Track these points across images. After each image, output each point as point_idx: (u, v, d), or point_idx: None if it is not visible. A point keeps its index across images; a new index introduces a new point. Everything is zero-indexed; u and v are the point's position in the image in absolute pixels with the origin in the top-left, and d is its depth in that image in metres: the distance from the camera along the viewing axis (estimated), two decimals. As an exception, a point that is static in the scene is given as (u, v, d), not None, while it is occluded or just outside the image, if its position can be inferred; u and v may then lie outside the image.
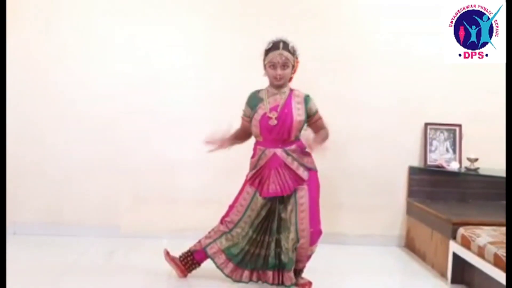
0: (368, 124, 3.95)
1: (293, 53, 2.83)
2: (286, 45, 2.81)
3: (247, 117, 2.93)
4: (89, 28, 3.83)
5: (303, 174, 2.86)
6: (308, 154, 2.89)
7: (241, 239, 2.90)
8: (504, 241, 2.75)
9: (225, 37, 3.85)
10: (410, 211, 3.95)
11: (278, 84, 2.84)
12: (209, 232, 2.99)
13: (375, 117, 3.94)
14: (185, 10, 3.87)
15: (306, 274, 3.03)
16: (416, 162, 3.99)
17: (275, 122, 2.80)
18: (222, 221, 2.97)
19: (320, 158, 2.92)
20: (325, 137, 2.94)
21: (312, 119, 2.92)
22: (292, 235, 2.85)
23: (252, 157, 2.94)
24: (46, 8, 3.81)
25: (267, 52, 2.83)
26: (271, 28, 3.76)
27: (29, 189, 3.86)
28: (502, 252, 2.63)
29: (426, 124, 3.95)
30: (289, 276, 2.87)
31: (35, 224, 3.84)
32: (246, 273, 2.92)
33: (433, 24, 3.77)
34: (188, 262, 3.01)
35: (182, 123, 3.86)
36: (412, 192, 3.97)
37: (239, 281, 2.91)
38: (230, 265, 2.92)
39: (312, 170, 2.92)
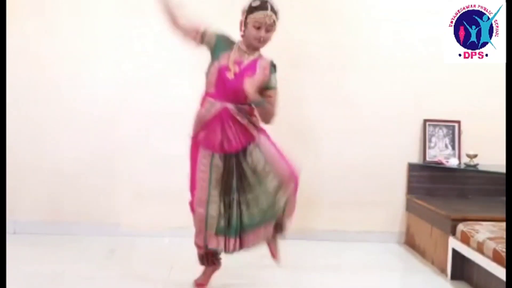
0: (367, 120, 3.95)
1: (277, 16, 2.63)
2: (273, 7, 2.61)
3: (201, 35, 2.68)
4: (88, 27, 3.83)
5: (253, 131, 2.67)
6: (267, 123, 2.72)
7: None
8: (504, 236, 2.76)
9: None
10: (409, 207, 3.96)
11: (258, 46, 2.65)
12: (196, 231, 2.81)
13: (374, 114, 3.95)
14: (185, 12, 3.85)
15: (304, 271, 3.04)
16: (415, 159, 4.00)
17: (232, 76, 2.60)
18: (193, 210, 2.78)
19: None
20: (268, 107, 2.66)
21: (266, 93, 2.66)
22: (273, 183, 2.67)
23: (199, 109, 2.72)
24: (45, 8, 3.80)
25: (253, 10, 2.59)
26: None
27: (29, 188, 3.86)
28: (501, 248, 2.64)
29: (425, 121, 3.96)
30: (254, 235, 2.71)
31: (35, 223, 3.84)
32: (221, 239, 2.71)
33: (433, 24, 3.79)
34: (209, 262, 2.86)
35: (181, 121, 3.83)
36: (411, 189, 3.98)
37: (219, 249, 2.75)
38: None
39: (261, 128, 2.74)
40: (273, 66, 2.70)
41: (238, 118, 2.63)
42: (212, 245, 2.72)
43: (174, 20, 2.72)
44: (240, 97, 2.61)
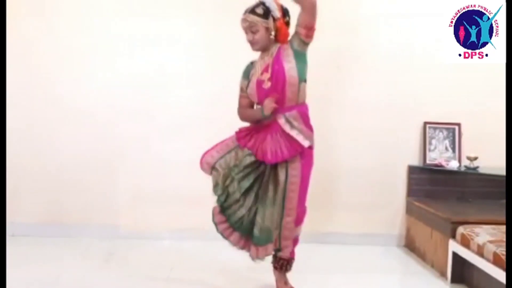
0: (367, 123, 3.94)
1: (264, 15, 2.60)
2: (253, 9, 2.62)
3: (245, 92, 2.75)
4: (88, 28, 3.83)
5: (304, 141, 2.61)
6: (309, 126, 2.68)
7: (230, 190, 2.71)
8: (504, 239, 2.75)
9: (224, 39, 3.84)
10: (409, 210, 3.95)
11: (254, 49, 2.69)
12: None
13: (374, 116, 3.94)
14: (185, 12, 3.86)
15: (304, 274, 3.03)
16: (415, 161, 3.99)
17: (269, 84, 2.60)
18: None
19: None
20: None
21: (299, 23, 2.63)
22: (277, 211, 2.66)
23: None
24: (46, 8, 3.80)
25: (286, 12, 2.70)
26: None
27: (28, 190, 3.86)
28: (501, 251, 2.63)
29: (425, 123, 3.95)
30: (256, 249, 2.69)
31: (34, 225, 3.83)
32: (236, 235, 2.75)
33: (433, 24, 3.78)
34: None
35: (181, 123, 3.86)
36: (411, 191, 3.97)
37: (227, 239, 2.76)
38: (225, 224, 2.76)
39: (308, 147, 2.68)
40: (290, 39, 2.68)
41: (285, 129, 2.61)
42: (216, 219, 2.76)
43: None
44: (282, 98, 2.60)
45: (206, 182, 3.83)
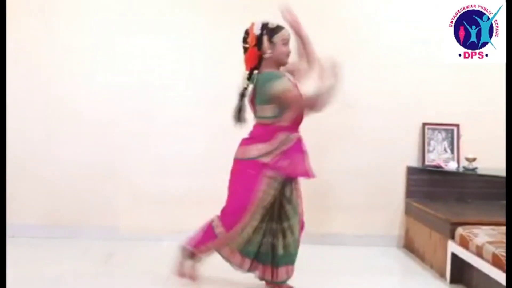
0: (366, 124, 3.95)
1: None
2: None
3: (293, 88, 2.72)
4: (88, 30, 3.83)
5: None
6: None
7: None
8: (503, 240, 2.75)
9: (223, 39, 3.85)
10: (408, 211, 3.95)
11: (287, 61, 2.81)
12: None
13: (373, 117, 3.95)
14: (183, 13, 3.87)
15: (303, 275, 3.03)
16: (414, 162, 4.00)
17: None
18: (229, 227, 2.77)
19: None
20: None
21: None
22: (297, 223, 2.80)
23: (262, 141, 2.71)
24: (45, 9, 3.80)
25: (277, 30, 2.77)
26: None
27: (27, 192, 3.85)
28: (500, 252, 2.63)
29: (424, 124, 3.96)
30: (287, 269, 2.80)
31: (34, 226, 3.83)
32: (247, 261, 2.80)
33: (433, 24, 3.79)
34: None
35: (180, 124, 3.85)
36: (410, 192, 3.98)
37: (239, 268, 2.82)
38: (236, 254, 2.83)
39: None
40: None
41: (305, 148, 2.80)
42: (236, 261, 2.80)
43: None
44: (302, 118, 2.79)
45: (205, 183, 3.86)
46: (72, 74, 3.84)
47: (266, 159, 2.69)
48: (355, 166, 3.95)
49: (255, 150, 2.71)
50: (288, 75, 2.78)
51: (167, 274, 3.10)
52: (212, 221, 2.85)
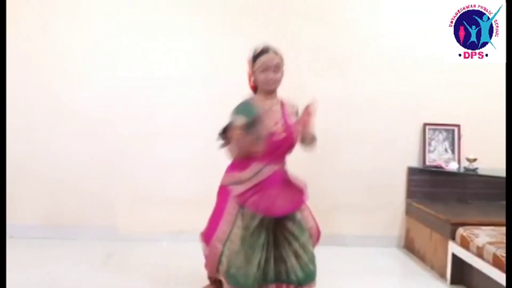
0: (367, 124, 3.94)
1: (282, 59, 2.58)
2: (275, 51, 2.57)
3: (241, 129, 2.48)
4: (88, 29, 3.83)
5: (301, 185, 2.62)
6: None
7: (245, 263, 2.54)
8: (503, 241, 2.74)
9: (224, 39, 3.85)
10: (409, 211, 3.94)
11: (270, 89, 2.57)
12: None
13: (374, 118, 3.94)
14: (184, 13, 3.86)
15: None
16: (415, 163, 3.99)
17: (284, 134, 2.52)
18: (207, 242, 2.62)
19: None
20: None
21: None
22: (308, 240, 2.64)
23: (238, 170, 2.58)
24: (45, 9, 3.80)
25: (257, 56, 2.56)
26: (270, 30, 3.79)
27: (27, 192, 3.85)
28: (501, 252, 2.62)
29: (425, 124, 3.95)
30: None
31: (33, 227, 3.83)
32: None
33: (433, 24, 3.78)
34: None
35: (180, 124, 3.85)
36: (411, 193, 3.97)
37: None
38: None
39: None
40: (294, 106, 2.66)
41: (288, 178, 2.60)
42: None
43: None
44: (289, 153, 2.60)
45: (205, 183, 3.84)
46: (72, 75, 3.83)
47: (238, 189, 2.56)
48: (355, 167, 3.95)
49: (229, 177, 2.63)
50: (262, 107, 2.55)
51: (167, 275, 3.10)
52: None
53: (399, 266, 3.66)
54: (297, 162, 4.01)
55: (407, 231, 3.96)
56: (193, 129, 3.84)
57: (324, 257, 3.61)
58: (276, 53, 2.58)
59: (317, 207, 3.90)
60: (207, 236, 2.66)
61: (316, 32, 3.90)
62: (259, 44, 2.61)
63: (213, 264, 2.61)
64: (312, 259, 2.65)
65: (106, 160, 3.85)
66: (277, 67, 2.55)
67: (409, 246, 3.90)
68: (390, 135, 3.96)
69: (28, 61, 3.81)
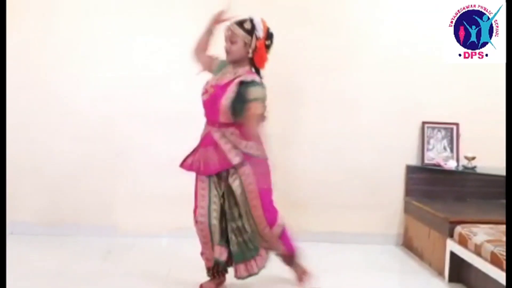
0: (365, 122, 3.95)
1: (248, 31, 2.67)
2: (241, 22, 2.70)
3: (209, 62, 2.84)
4: (87, 29, 3.81)
5: (234, 158, 2.68)
6: (250, 139, 2.71)
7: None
8: (501, 239, 2.76)
9: (223, 38, 3.84)
10: (407, 209, 3.96)
11: (228, 59, 2.74)
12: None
13: (373, 116, 3.95)
14: (182, 11, 3.86)
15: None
16: (413, 161, 4.00)
17: (206, 97, 2.72)
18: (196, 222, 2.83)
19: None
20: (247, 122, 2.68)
21: (245, 107, 2.64)
22: (248, 223, 2.78)
23: None
24: (45, 9, 3.79)
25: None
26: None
27: (26, 189, 3.84)
28: (499, 250, 2.64)
29: (424, 123, 3.96)
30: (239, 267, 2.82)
31: (32, 224, 3.82)
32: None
33: (433, 24, 3.79)
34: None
35: (179, 122, 3.85)
36: (409, 191, 3.98)
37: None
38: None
39: (254, 157, 2.72)
40: (248, 82, 2.68)
41: (220, 143, 2.69)
42: (216, 254, 2.79)
43: (200, 48, 2.88)
44: (215, 120, 2.71)
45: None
46: (71, 73, 3.82)
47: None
48: (354, 165, 3.95)
49: None
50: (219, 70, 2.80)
51: (166, 272, 3.11)
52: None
53: (398, 264, 3.67)
54: (297, 162, 4.04)
55: (406, 229, 3.97)
56: (193, 127, 3.82)
57: (323, 255, 3.64)
58: (240, 25, 2.70)
59: (316, 204, 3.96)
60: (194, 218, 2.84)
61: (316, 31, 3.90)
62: (256, 19, 2.73)
63: (206, 240, 2.78)
64: (248, 242, 2.78)
65: (105, 158, 3.85)
66: (232, 38, 2.70)
67: (408, 244, 3.91)
68: (389, 134, 3.97)
69: (28, 60, 3.79)
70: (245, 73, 2.72)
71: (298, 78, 3.88)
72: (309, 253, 3.63)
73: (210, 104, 2.70)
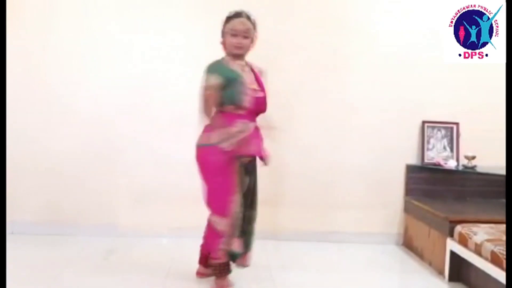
0: (365, 122, 3.95)
1: (254, 25, 2.74)
2: (248, 16, 2.73)
3: (214, 88, 2.68)
4: (87, 29, 3.81)
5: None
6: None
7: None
8: (501, 238, 2.76)
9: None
10: (407, 209, 3.96)
11: (237, 53, 2.72)
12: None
13: (373, 115, 3.95)
14: (182, 11, 3.86)
15: (303, 272, 3.03)
16: (413, 160, 4.00)
17: (262, 93, 2.74)
18: (226, 215, 2.75)
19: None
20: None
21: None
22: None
23: (224, 126, 2.68)
24: (44, 9, 3.79)
25: (229, 19, 2.72)
26: (268, 28, 3.76)
27: (27, 188, 3.85)
28: (499, 249, 2.64)
29: (424, 122, 3.97)
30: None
31: (33, 223, 3.82)
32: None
33: (433, 24, 3.79)
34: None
35: (180, 121, 3.85)
36: (409, 190, 3.98)
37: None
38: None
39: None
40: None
41: (262, 136, 2.80)
42: (238, 248, 2.79)
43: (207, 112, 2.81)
44: (263, 111, 2.79)
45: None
46: (71, 72, 3.82)
47: (225, 145, 2.67)
48: (354, 164, 3.96)
49: (216, 134, 2.70)
50: (236, 68, 2.74)
51: (166, 271, 3.11)
52: (209, 222, 2.82)
53: (398, 263, 3.67)
54: (297, 161, 4.05)
55: (406, 229, 3.98)
56: (193, 126, 3.82)
57: (323, 254, 3.64)
58: (249, 18, 2.72)
59: (316, 204, 3.96)
60: (223, 208, 2.71)
61: (315, 31, 3.90)
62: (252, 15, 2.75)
63: (232, 233, 2.74)
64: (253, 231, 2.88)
65: (106, 157, 3.85)
66: (247, 33, 2.70)
67: (408, 244, 3.92)
68: (389, 133, 3.97)
69: (27, 59, 3.79)
70: (247, 61, 2.83)
71: (298, 78, 3.89)
72: (309, 253, 3.65)
73: (263, 97, 2.75)
